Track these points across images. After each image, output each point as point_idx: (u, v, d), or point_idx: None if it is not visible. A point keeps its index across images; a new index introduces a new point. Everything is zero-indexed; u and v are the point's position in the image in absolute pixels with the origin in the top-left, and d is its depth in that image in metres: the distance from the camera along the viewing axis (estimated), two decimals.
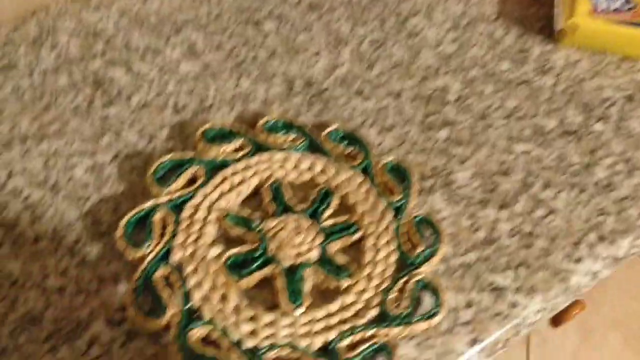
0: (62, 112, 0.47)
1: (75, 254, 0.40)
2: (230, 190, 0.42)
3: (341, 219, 0.40)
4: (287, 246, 0.39)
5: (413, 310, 0.36)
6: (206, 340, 0.36)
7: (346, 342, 0.35)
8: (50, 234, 0.40)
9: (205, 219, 0.40)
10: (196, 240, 0.39)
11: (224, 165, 0.43)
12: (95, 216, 0.41)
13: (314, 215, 0.41)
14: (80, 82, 0.49)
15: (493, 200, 0.42)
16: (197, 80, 0.50)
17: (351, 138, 0.45)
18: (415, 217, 0.40)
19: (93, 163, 0.44)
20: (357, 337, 0.36)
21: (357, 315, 0.36)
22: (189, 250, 0.39)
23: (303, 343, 0.35)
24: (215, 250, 0.39)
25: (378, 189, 0.42)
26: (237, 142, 0.44)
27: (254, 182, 0.42)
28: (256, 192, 0.42)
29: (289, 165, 0.43)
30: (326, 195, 0.42)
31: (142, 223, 0.40)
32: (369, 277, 0.38)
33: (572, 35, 0.51)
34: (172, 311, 0.36)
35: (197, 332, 0.35)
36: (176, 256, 0.38)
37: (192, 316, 0.36)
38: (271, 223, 0.40)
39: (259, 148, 0.44)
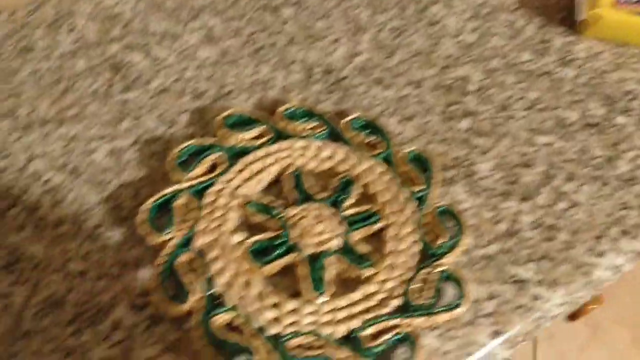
0: (80, 96, 0.47)
1: (97, 239, 0.39)
2: (250, 177, 0.42)
3: (362, 208, 0.40)
4: (309, 234, 0.39)
5: (436, 301, 0.36)
6: (229, 326, 0.36)
7: (369, 331, 0.35)
8: (71, 218, 0.40)
9: (226, 205, 0.40)
10: (219, 226, 0.39)
11: (244, 152, 0.43)
12: (115, 201, 0.41)
13: (335, 204, 0.40)
14: (98, 66, 0.49)
15: (515, 192, 0.42)
16: (215, 66, 0.49)
17: (372, 127, 0.44)
18: (438, 207, 0.40)
19: (112, 148, 0.44)
20: (380, 326, 0.36)
21: (380, 304, 0.36)
22: (212, 236, 0.39)
23: (326, 331, 0.35)
24: (237, 237, 0.39)
25: (399, 179, 0.41)
26: (257, 129, 0.44)
27: (275, 170, 0.42)
28: (276, 180, 0.42)
29: (310, 153, 0.43)
30: (347, 185, 0.41)
31: (163, 209, 0.40)
32: (392, 267, 0.38)
33: (594, 27, 0.51)
34: (195, 297, 0.36)
35: (220, 318, 0.35)
36: (199, 242, 0.38)
37: (214, 302, 0.36)
38: (292, 211, 0.40)
39: (279, 136, 0.44)
